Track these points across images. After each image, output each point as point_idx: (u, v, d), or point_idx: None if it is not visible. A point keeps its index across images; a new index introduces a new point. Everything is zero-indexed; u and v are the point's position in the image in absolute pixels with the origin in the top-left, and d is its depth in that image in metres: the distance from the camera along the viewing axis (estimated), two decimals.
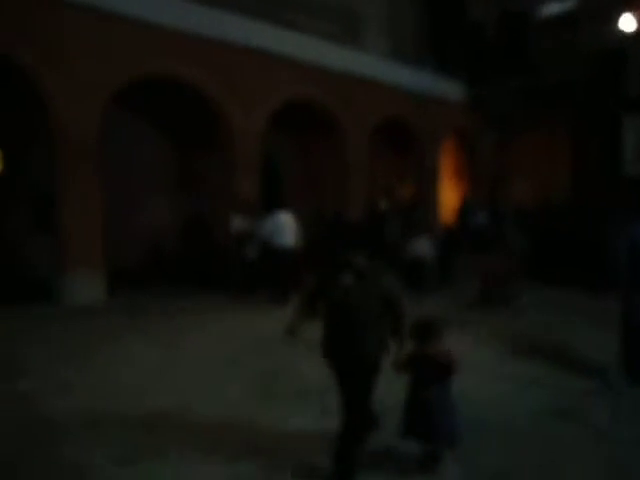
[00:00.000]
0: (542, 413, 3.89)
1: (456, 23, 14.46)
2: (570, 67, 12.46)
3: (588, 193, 12.46)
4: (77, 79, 7.65)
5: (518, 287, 7.76)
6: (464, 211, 14.34)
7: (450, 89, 14.02)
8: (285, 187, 12.49)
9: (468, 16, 14.69)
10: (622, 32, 9.74)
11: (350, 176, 11.81)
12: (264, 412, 3.88)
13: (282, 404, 4.05)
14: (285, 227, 8.19)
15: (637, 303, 4.46)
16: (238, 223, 8.70)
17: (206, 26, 8.99)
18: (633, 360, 4.50)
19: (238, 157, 9.76)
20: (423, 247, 8.46)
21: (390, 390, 3.41)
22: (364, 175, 12.08)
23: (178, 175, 11.41)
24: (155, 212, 10.67)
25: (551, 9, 13.93)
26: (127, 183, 10.03)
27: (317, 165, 12.82)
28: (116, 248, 8.81)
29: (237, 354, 5.33)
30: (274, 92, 10.11)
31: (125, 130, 9.91)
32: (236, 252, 8.62)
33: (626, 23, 4.23)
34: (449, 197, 15.55)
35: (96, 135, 7.96)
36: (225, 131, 9.70)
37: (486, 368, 4.89)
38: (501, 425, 3.66)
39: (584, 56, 12.03)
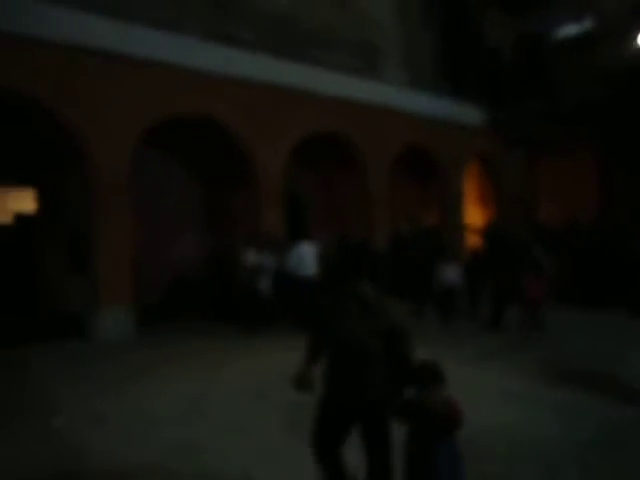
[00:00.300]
0: (587, 444, 3.72)
1: (473, 49, 14.64)
2: (589, 88, 12.41)
3: (615, 214, 12.19)
4: (109, 121, 8.00)
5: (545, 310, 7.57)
6: (492, 235, 14.11)
7: (470, 114, 14.07)
8: (309, 219, 12.60)
9: (485, 41, 14.86)
10: None
11: (372, 205, 11.85)
12: (296, 444, 3.82)
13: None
14: (308, 257, 8.37)
15: None
16: (252, 257, 8.55)
17: (232, 65, 9.33)
18: None
19: (262, 192, 9.93)
20: (453, 274, 8.31)
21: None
22: (386, 204, 12.10)
23: (205, 211, 11.66)
24: (183, 247, 10.89)
25: (568, 30, 14.00)
26: (157, 219, 10.31)
27: (339, 196, 12.93)
28: (145, 283, 8.99)
29: (266, 387, 5.30)
30: (297, 127, 10.33)
31: (155, 168, 10.25)
32: (248, 286, 8.46)
33: None
34: (475, 221, 15.39)
35: (127, 175, 8.24)
36: (250, 167, 9.92)
37: (529, 398, 4.72)
38: (540, 456, 3.51)
39: (603, 76, 11.97)
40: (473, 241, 14.46)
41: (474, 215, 15.50)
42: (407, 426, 2.55)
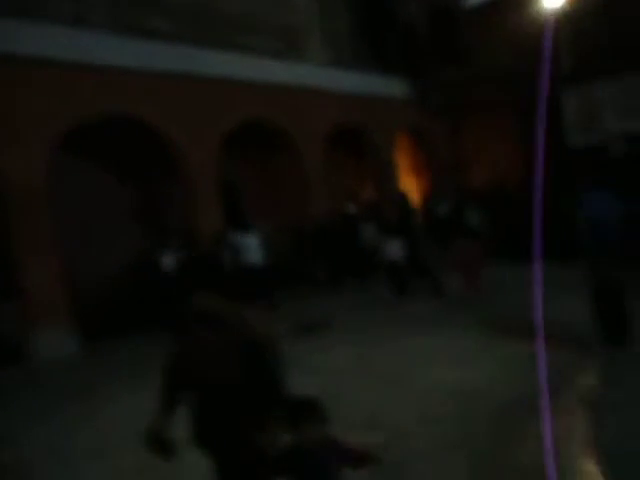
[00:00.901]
0: (532, 390, 3.96)
1: (390, 23, 14.83)
2: (501, 52, 12.93)
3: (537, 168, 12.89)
4: (17, 128, 7.44)
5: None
6: (427, 203, 14.61)
7: (394, 87, 14.30)
8: (246, 208, 12.42)
9: (400, 16, 15.08)
10: (547, 11, 10.17)
11: (310, 187, 11.85)
12: None
13: None
14: (252, 247, 8.55)
15: (602, 267, 4.61)
16: (169, 260, 8.17)
17: (151, 59, 8.92)
18: (605, 323, 4.63)
19: (196, 188, 9.66)
20: (396, 249, 8.42)
21: None
22: (323, 183, 12.14)
23: (138, 214, 11.19)
24: (118, 255, 10.38)
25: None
26: (88, 228, 9.76)
27: (276, 181, 12.82)
28: (83, 294, 8.56)
29: None
30: (224, 117, 10.06)
31: (79, 174, 9.69)
32: (168, 292, 7.82)
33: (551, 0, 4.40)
34: (411, 191, 15.80)
35: (45, 185, 7.72)
36: (179, 164, 9.59)
37: (474, 354, 4.96)
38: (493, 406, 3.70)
39: (512, 38, 12.49)
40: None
41: (410, 185, 15.89)
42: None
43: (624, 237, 4.68)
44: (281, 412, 1.92)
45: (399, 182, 14.68)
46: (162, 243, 8.42)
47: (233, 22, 11.11)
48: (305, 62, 12.38)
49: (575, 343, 4.82)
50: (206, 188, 9.78)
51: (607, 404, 3.55)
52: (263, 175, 13.00)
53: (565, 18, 10.30)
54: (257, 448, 1.93)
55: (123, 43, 8.68)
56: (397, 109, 14.35)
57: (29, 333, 7.47)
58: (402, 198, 10.59)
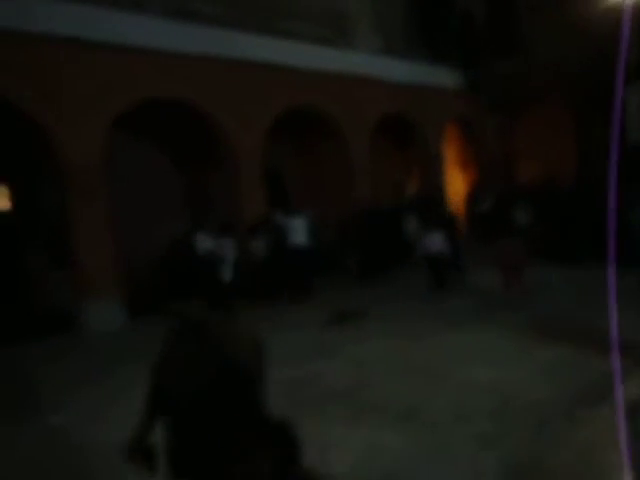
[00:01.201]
0: (573, 395, 3.85)
1: (445, 11, 14.41)
2: (561, 44, 12.34)
3: (595, 168, 12.31)
4: (76, 110, 7.77)
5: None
6: (473, 198, 14.27)
7: (446, 77, 13.96)
8: (291, 195, 12.53)
9: (457, 3, 14.64)
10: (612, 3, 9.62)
11: (355, 176, 11.81)
12: None
13: None
14: (300, 229, 9.00)
15: None
16: (204, 243, 8.11)
17: (198, 43, 9.06)
18: None
19: (241, 172, 9.82)
20: (437, 243, 8.18)
21: None
22: (369, 174, 12.06)
23: (184, 195, 11.51)
24: (165, 234, 10.73)
25: None
26: (137, 207, 10.14)
27: (321, 169, 12.85)
28: (133, 271, 8.93)
29: None
30: (271, 103, 10.14)
31: (131, 154, 10.04)
32: (202, 273, 8.08)
33: None
34: (457, 185, 15.46)
35: (101, 164, 8.06)
36: (226, 148, 9.76)
37: (514, 355, 4.86)
38: (531, 408, 3.63)
39: (574, 32, 11.89)
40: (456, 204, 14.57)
41: (456, 178, 15.56)
42: None
43: None
44: (260, 437, 1.73)
45: (445, 175, 14.40)
46: (198, 225, 8.59)
47: (279, 7, 11.07)
48: (354, 49, 12.25)
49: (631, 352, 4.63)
50: (252, 173, 9.92)
51: None
52: (309, 162, 13.05)
53: (634, 10, 9.71)
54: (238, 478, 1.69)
55: (175, 27, 8.84)
56: (447, 100, 14.01)
57: (81, 304, 7.88)
58: (440, 193, 10.45)
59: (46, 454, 3.83)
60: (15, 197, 9.84)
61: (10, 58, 7.11)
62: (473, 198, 14.33)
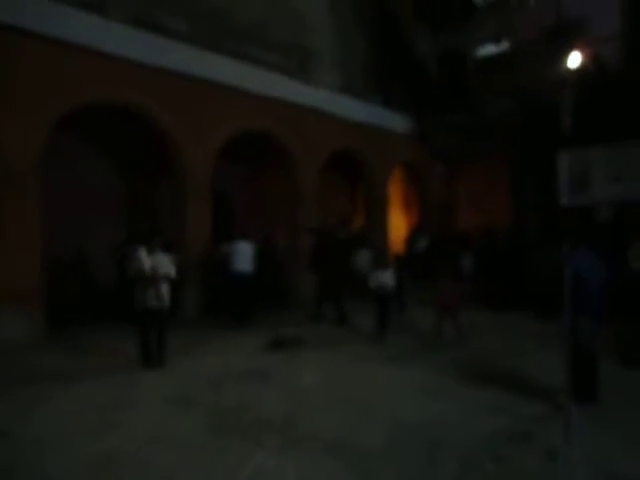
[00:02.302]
0: (497, 437, 3.96)
1: (402, 59, 15.17)
2: (506, 104, 13.29)
3: (526, 222, 13.18)
4: (18, 105, 7.36)
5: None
6: (412, 239, 14.79)
7: (397, 122, 14.56)
8: (236, 216, 12.40)
9: (414, 53, 15.45)
10: (559, 70, 10.50)
11: (302, 206, 11.88)
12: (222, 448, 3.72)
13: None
14: (244, 254, 8.80)
15: (580, 326, 4.68)
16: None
17: (162, 56, 8.94)
18: (578, 381, 4.68)
19: (189, 187, 9.62)
20: (389, 278, 8.03)
21: None
22: (315, 205, 12.19)
23: (128, 205, 11.09)
24: (100, 242, 10.22)
25: (488, 50, 14.92)
26: (73, 211, 9.61)
27: (268, 195, 12.86)
28: (61, 282, 8.39)
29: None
30: (228, 123, 10.10)
31: (73, 158, 9.62)
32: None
33: (573, 60, 4.58)
34: (398, 226, 15.96)
35: (35, 165, 7.59)
36: (177, 162, 9.57)
37: (445, 393, 4.95)
38: (457, 448, 3.69)
39: (520, 95, 12.88)
40: (395, 245, 14.99)
41: (398, 219, 16.07)
42: None
43: (604, 297, 4.79)
44: None
45: (389, 214, 14.84)
46: (134, 240, 7.58)
47: (248, 32, 11.23)
48: (314, 83, 12.55)
49: (547, 398, 4.86)
50: (200, 190, 9.73)
51: (567, 461, 3.57)
52: (258, 187, 13.04)
53: (574, 81, 10.68)
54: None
55: (134, 35, 8.69)
56: (397, 143, 14.59)
57: None
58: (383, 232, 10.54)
59: None
60: None
61: None
62: (412, 239, 14.87)
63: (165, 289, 6.23)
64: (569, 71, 4.79)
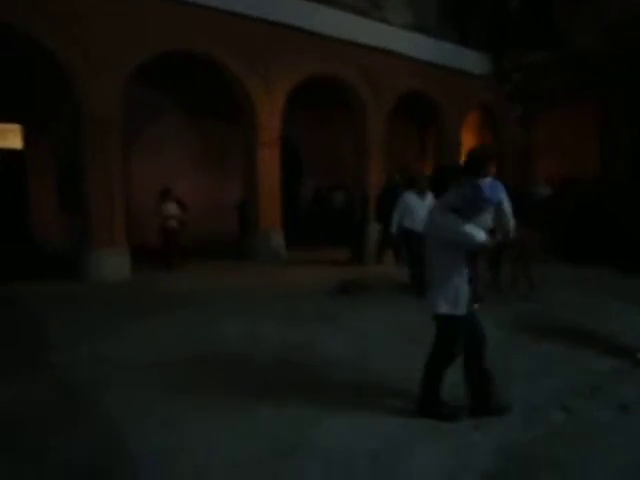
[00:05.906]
0: (565, 390, 3.85)
1: None
2: (594, 39, 11.95)
3: (616, 170, 12.11)
4: (99, 57, 7.64)
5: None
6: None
7: (474, 62, 13.62)
8: (303, 163, 12.43)
9: None
10: None
11: (368, 152, 11.63)
12: None
13: None
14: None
15: None
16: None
17: (235, 2, 8.85)
18: None
19: (259, 132, 9.72)
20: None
21: None
22: (383, 151, 11.87)
23: (201, 151, 11.45)
24: (177, 189, 10.69)
25: None
26: (150, 160, 10.09)
27: (335, 142, 12.70)
28: (143, 225, 8.94)
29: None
30: (297, 68, 9.95)
31: (149, 106, 9.96)
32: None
33: None
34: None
35: (119, 114, 7.96)
36: (247, 107, 9.63)
37: (517, 347, 4.85)
38: (529, 402, 3.63)
39: (609, 27, 11.52)
40: None
41: None
42: None
43: None
44: None
45: (462, 160, 14.20)
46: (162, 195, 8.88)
47: None
48: (385, 22, 11.93)
49: (626, 354, 4.61)
50: (270, 135, 9.81)
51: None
52: (324, 135, 12.90)
53: None
54: None
55: None
56: (472, 85, 13.71)
57: (87, 251, 7.89)
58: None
59: (40, 391, 3.85)
60: (29, 137, 9.79)
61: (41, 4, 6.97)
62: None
63: None
64: None
